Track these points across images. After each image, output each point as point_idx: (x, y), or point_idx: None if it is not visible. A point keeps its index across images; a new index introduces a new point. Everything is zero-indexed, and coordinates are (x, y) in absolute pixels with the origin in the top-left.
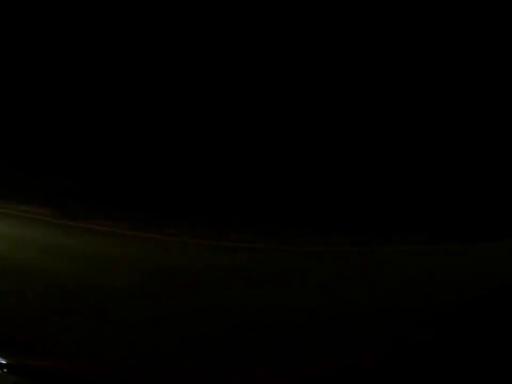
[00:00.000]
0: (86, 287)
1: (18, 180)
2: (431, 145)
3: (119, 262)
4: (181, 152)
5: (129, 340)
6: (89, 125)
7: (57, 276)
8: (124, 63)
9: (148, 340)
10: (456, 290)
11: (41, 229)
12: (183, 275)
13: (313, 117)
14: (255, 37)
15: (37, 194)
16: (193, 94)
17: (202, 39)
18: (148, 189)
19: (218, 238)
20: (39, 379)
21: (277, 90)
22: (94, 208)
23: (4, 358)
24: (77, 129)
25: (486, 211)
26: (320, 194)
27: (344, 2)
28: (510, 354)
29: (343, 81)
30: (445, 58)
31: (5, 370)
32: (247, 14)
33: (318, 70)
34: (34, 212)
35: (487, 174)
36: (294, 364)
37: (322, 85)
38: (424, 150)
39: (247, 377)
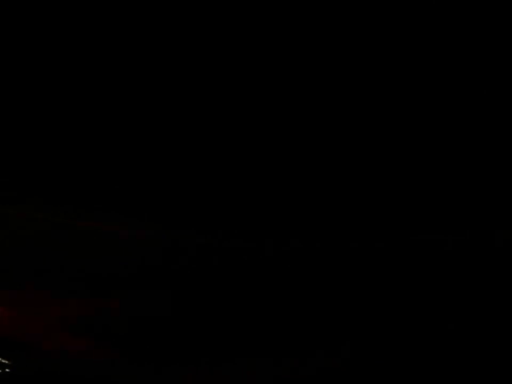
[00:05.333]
0: None
1: None
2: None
3: None
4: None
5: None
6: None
7: None
8: (114, 65)
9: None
10: (455, 289)
11: None
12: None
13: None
14: (255, 37)
15: None
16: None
17: (203, 39)
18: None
19: None
20: (39, 379)
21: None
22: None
23: (5, 358)
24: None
25: (484, 209)
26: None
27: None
28: (509, 354)
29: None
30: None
31: (7, 370)
32: (247, 13)
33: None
34: None
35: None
36: (293, 363)
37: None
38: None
39: (246, 377)
